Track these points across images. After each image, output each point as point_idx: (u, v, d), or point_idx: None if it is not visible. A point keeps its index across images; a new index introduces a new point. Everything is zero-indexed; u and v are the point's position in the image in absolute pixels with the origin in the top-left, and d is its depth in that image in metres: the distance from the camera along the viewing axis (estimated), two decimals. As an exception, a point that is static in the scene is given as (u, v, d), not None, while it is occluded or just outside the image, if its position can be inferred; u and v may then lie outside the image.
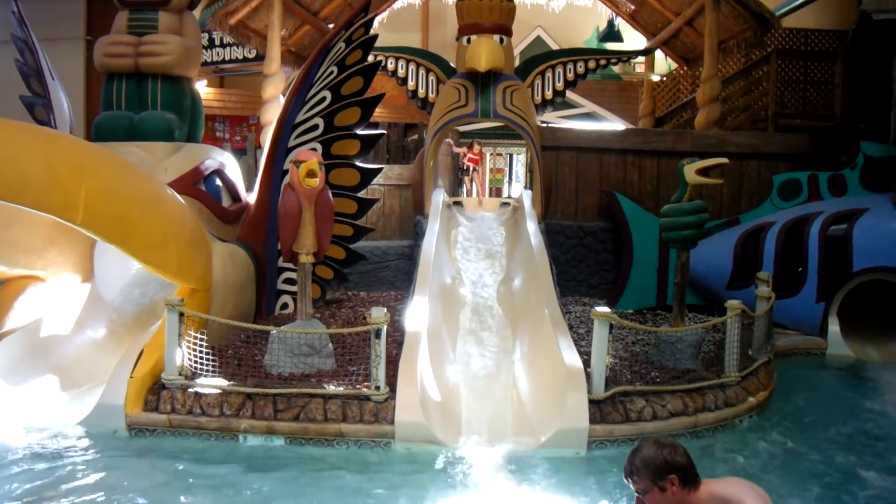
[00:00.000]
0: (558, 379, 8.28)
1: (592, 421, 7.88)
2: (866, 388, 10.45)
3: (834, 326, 12.04)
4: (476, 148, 17.16)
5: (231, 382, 8.30)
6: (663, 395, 8.44)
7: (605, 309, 8.25)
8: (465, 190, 17.54)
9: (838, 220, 12.10)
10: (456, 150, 16.95)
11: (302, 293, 9.19)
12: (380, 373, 8.02)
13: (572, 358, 8.43)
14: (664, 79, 21.35)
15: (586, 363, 8.43)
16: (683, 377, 8.93)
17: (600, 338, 8.10)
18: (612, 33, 23.26)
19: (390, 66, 14.26)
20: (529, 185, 14.51)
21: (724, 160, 9.76)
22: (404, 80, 14.30)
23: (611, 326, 8.15)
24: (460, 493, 6.88)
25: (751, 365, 9.45)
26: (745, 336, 9.35)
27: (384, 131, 14.66)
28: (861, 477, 7.32)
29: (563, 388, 8.08)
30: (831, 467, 7.61)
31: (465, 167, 17.10)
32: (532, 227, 12.04)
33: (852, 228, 11.86)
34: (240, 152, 16.26)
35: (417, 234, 13.22)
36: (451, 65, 14.11)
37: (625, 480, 4.07)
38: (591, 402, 7.99)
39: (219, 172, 11.02)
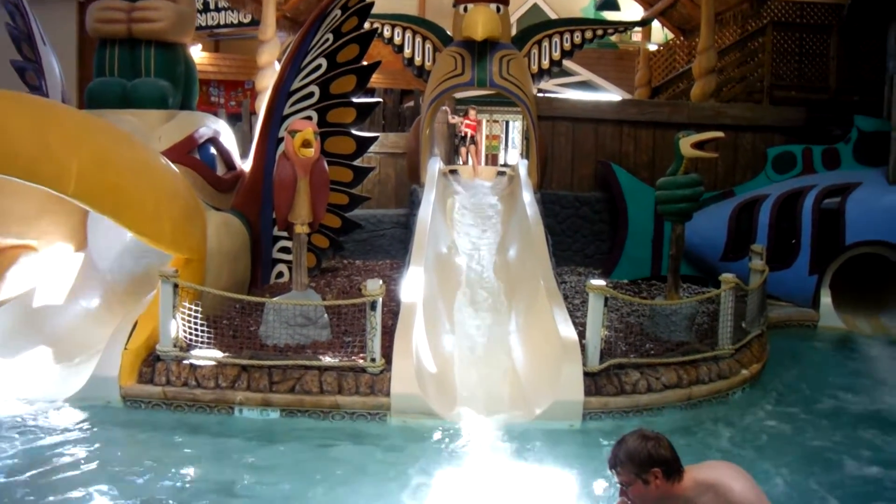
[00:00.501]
0: (553, 351, 8.31)
1: (587, 393, 7.91)
2: (857, 361, 10.54)
3: (826, 299, 12.15)
4: (472, 114, 16.89)
5: (226, 354, 8.29)
6: (658, 367, 8.47)
7: (600, 282, 8.26)
8: (461, 159, 17.37)
9: (832, 194, 12.17)
10: (452, 120, 16.82)
11: (297, 264, 9.16)
12: (375, 345, 8.02)
13: (567, 330, 8.45)
14: (661, 49, 21.27)
15: (581, 333, 8.48)
16: (678, 349, 8.96)
17: (595, 311, 8.11)
18: (609, 2, 23.06)
19: (386, 34, 14.16)
20: (525, 152, 14.47)
21: (720, 134, 9.77)
22: (401, 48, 14.20)
23: (606, 299, 8.17)
24: (455, 466, 6.91)
25: (744, 337, 9.49)
26: (739, 309, 9.37)
27: (380, 99, 14.59)
28: (850, 451, 7.37)
29: (559, 360, 8.10)
30: (822, 441, 7.67)
31: (463, 134, 16.84)
32: (528, 197, 12.02)
33: (845, 202, 11.93)
34: (235, 118, 16.18)
35: (413, 202, 13.18)
36: (448, 33, 14.01)
37: (609, 472, 4.03)
38: (586, 374, 8.01)
39: (213, 140, 10.92)
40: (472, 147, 16.78)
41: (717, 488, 3.77)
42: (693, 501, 3.84)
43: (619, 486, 3.97)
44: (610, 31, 15.08)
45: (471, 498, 6.35)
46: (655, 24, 20.52)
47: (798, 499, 6.38)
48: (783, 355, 10.35)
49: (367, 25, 11.11)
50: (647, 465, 3.82)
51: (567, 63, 18.72)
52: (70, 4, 19.94)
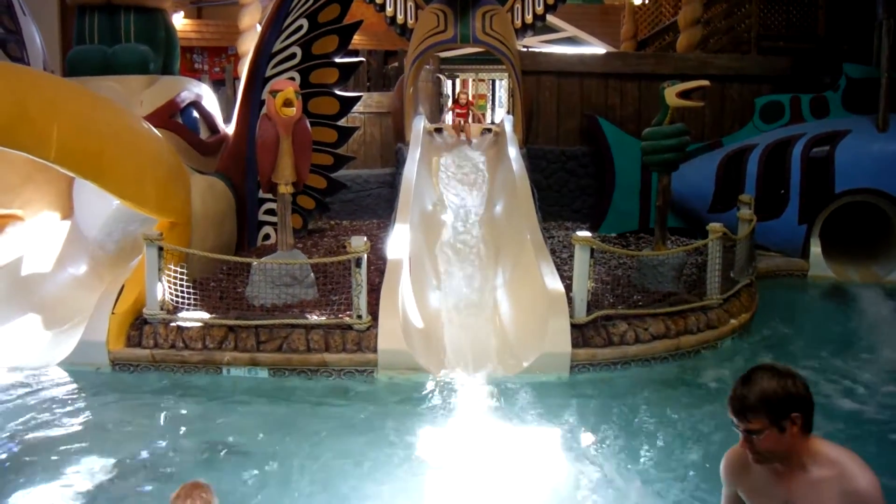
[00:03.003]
0: (540, 304, 8.31)
1: (575, 345, 7.93)
2: (846, 309, 10.57)
3: (816, 248, 12.14)
4: (462, 98, 15.40)
5: (213, 315, 8.29)
6: (645, 318, 8.48)
7: (585, 233, 8.26)
8: (449, 118, 16.68)
9: (820, 142, 12.10)
10: (442, 125, 15.69)
11: (282, 224, 9.14)
12: (361, 301, 8.02)
13: (554, 283, 8.44)
14: (646, 1, 21.10)
15: (569, 287, 8.44)
16: (665, 300, 8.96)
17: (581, 262, 8.10)
18: (593, -46, 22.94)
19: (368, -7, 14.03)
20: (511, 109, 14.37)
21: (705, 82, 9.69)
22: (382, 7, 14.02)
23: (592, 251, 8.16)
24: (444, 420, 6.94)
25: (732, 287, 9.48)
26: (727, 258, 9.38)
27: (363, 59, 14.46)
28: (838, 398, 7.41)
29: (546, 313, 8.11)
30: (811, 388, 7.65)
31: (455, 124, 15.01)
32: (513, 152, 11.95)
33: (834, 150, 11.88)
34: (219, 84, 16.07)
35: (399, 161, 13.13)
36: (430, -10, 13.88)
37: (733, 420, 3.20)
38: (574, 326, 8.03)
39: (195, 104, 10.89)
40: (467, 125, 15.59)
41: (843, 469, 3.15)
42: (807, 469, 3.20)
43: (743, 433, 3.18)
44: (594, -17, 14.93)
45: (460, 451, 6.37)
46: (641, -23, 20.36)
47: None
48: (772, 305, 10.37)
49: (347, -16, 11.01)
50: (787, 407, 3.12)
51: (552, 19, 18.56)
52: (50, -26, 19.70)
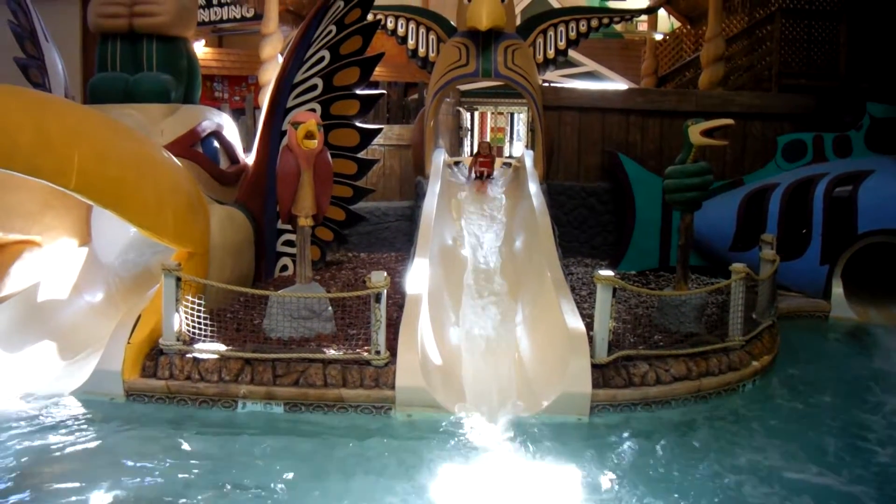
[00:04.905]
0: (560, 343, 8.19)
1: (595, 386, 7.81)
2: (869, 351, 10.43)
3: (838, 289, 12.01)
4: (484, 149, 14.49)
5: (229, 347, 8.21)
6: (667, 359, 8.35)
7: (608, 272, 8.14)
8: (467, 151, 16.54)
9: (843, 182, 12.00)
10: (466, 161, 15.32)
11: (301, 256, 9.07)
12: (380, 337, 7.93)
13: (575, 322, 8.33)
14: (667, 38, 21.13)
15: (589, 325, 8.34)
16: (687, 341, 8.84)
17: (603, 302, 8.00)
18: (614, -10, 23.04)
19: (390, 25, 14.03)
20: (531, 144, 14.32)
21: (730, 121, 9.60)
22: (404, 40, 14.08)
23: (614, 290, 8.06)
24: (461, 459, 6.82)
25: (755, 328, 9.37)
26: (749, 299, 9.26)
27: (384, 91, 14.44)
28: (861, 444, 7.28)
29: (566, 352, 7.98)
30: (834, 433, 7.57)
31: (478, 174, 14.25)
32: (534, 187, 11.90)
33: (857, 190, 11.77)
34: (238, 112, 16.11)
35: (418, 194, 13.09)
36: (452, 23, 13.89)
37: None
38: (594, 366, 7.91)
39: (216, 134, 10.90)
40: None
41: None
42: None
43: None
44: (616, 19, 14.90)
45: (477, 492, 6.25)
46: (661, 13, 20.42)
47: (810, 493, 6.28)
48: (794, 346, 10.24)
49: (370, 17, 11.01)
50: None
51: (573, 53, 18.57)
52: (73, 1, 19.87)
